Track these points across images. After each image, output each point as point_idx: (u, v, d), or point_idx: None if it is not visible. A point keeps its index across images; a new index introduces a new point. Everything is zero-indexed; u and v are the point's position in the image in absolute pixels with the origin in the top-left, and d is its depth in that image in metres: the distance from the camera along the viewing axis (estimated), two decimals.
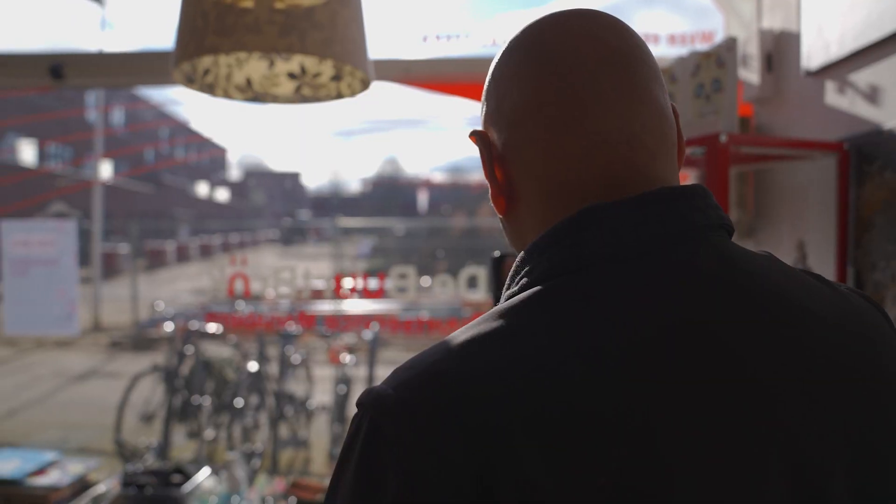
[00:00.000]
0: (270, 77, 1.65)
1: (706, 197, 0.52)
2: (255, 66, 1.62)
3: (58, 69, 2.29)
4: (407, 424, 0.42)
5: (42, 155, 21.07)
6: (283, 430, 4.31)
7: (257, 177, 57.59)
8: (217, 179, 43.76)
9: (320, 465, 4.38)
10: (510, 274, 0.54)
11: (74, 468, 2.25)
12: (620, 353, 0.43)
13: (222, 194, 44.05)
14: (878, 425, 0.48)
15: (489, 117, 0.58)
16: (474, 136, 0.59)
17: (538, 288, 0.49)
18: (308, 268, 4.21)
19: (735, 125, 1.27)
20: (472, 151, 0.60)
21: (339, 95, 1.65)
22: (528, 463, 0.39)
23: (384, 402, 0.44)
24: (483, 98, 0.60)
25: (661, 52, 2.26)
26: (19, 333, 2.43)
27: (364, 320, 5.03)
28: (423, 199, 46.93)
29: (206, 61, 1.51)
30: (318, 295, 5.39)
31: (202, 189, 39.34)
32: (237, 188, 49.38)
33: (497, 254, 1.41)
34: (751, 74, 1.71)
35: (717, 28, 2.44)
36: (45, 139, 19.71)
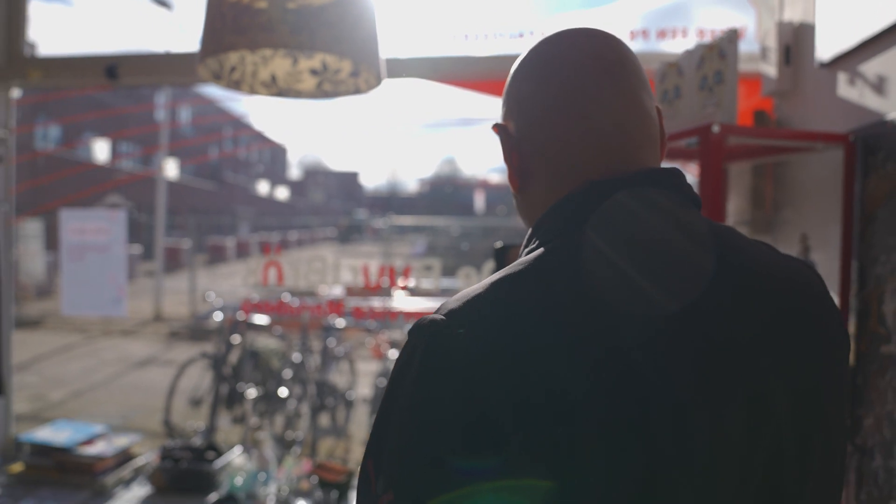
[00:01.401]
0: (294, 73, 1.74)
1: (681, 177, 0.65)
2: (279, 64, 1.71)
3: (112, 69, 2.46)
4: (459, 342, 0.51)
5: (112, 150, 22.15)
6: (324, 420, 4.44)
7: (316, 176, 58.81)
8: (277, 178, 44.96)
9: (358, 454, 4.49)
10: (526, 238, 0.67)
11: (119, 441, 2.41)
12: (609, 287, 0.54)
13: (282, 193, 45.22)
14: (813, 360, 0.60)
15: (509, 111, 0.71)
16: (496, 127, 0.73)
17: (551, 245, 0.59)
18: (354, 264, 4.30)
19: (734, 117, 1.27)
20: None
21: (357, 90, 1.72)
22: (559, 376, 0.49)
23: (439, 326, 0.53)
24: (504, 95, 0.73)
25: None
26: (74, 314, 2.61)
27: (413, 316, 5.11)
28: (479, 199, 46.93)
29: (232, 59, 1.61)
30: (368, 290, 5.50)
31: (263, 187, 40.50)
32: (297, 187, 50.61)
33: (499, 244, 1.45)
34: (770, 67, 1.69)
35: (750, 23, 2.39)
36: (114, 135, 20.69)
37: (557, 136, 0.65)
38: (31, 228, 12.21)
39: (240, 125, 30.63)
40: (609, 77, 0.65)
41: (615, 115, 0.64)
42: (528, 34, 2.32)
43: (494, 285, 0.56)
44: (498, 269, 1.47)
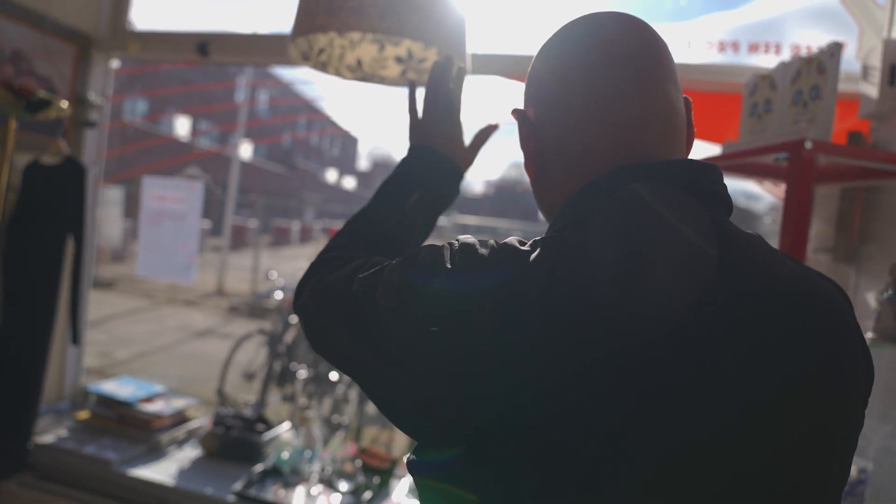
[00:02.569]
0: (379, 59, 1.76)
1: (706, 173, 0.60)
2: (366, 49, 1.74)
3: (204, 46, 2.56)
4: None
5: (192, 126, 23.09)
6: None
7: (385, 168, 59.58)
8: (346, 167, 45.82)
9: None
10: (553, 220, 0.65)
11: (177, 402, 2.51)
12: (597, 290, 0.51)
13: (349, 182, 46.04)
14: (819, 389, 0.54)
15: (530, 98, 0.70)
16: (516, 112, 0.70)
17: (554, 238, 0.57)
18: None
19: (828, 135, 1.21)
20: None
21: None
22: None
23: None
24: (526, 82, 0.71)
25: None
26: (148, 276, 2.73)
27: None
28: None
29: (321, 41, 1.64)
30: None
31: (331, 175, 41.34)
32: (364, 178, 51.41)
33: None
34: (871, 88, 1.61)
35: (850, 41, 2.27)
36: (195, 110, 21.55)
37: (577, 124, 0.63)
38: (113, 195, 12.85)
39: (314, 111, 31.37)
40: (633, 66, 0.62)
41: (637, 105, 0.61)
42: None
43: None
44: None
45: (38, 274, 2.29)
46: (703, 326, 0.50)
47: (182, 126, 22.15)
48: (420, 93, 1.12)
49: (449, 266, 0.54)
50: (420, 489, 0.56)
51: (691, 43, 2.21)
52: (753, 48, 2.17)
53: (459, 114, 1.05)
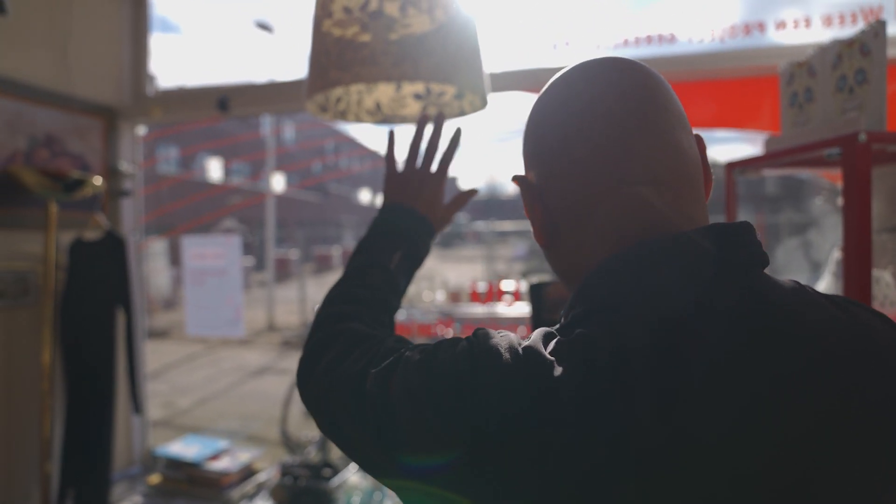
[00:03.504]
0: (398, 99, 1.74)
1: (749, 233, 0.55)
2: (383, 91, 1.72)
3: (224, 102, 2.59)
4: None
5: (226, 173, 23.65)
6: None
7: None
8: (378, 186, 46.22)
9: None
10: (567, 306, 0.58)
11: (243, 456, 2.52)
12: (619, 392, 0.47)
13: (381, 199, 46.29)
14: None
15: (530, 161, 0.65)
16: (516, 179, 0.65)
17: (585, 329, 0.51)
18: (457, 270, 4.32)
19: (882, 121, 1.13)
20: None
21: (462, 112, 1.70)
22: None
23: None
24: (523, 142, 0.66)
25: (814, 37, 2.05)
26: (198, 335, 2.77)
27: (518, 323, 5.04)
28: None
29: (338, 91, 1.63)
30: (472, 298, 5.50)
31: (364, 196, 41.75)
32: None
33: (535, 280, 1.35)
34: None
35: (885, 2, 2.15)
36: (226, 158, 22.08)
37: (585, 190, 0.57)
38: (157, 247, 13.23)
39: (340, 136, 31.76)
40: (635, 116, 0.56)
41: (645, 158, 0.56)
42: (630, 42, 2.21)
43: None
44: (533, 307, 1.32)
45: (93, 348, 2.34)
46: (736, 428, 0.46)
47: (214, 168, 22.70)
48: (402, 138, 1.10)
49: (469, 376, 0.50)
50: (403, 493, 0.54)
51: (713, 30, 2.13)
52: (780, 26, 2.08)
53: (446, 178, 1.04)
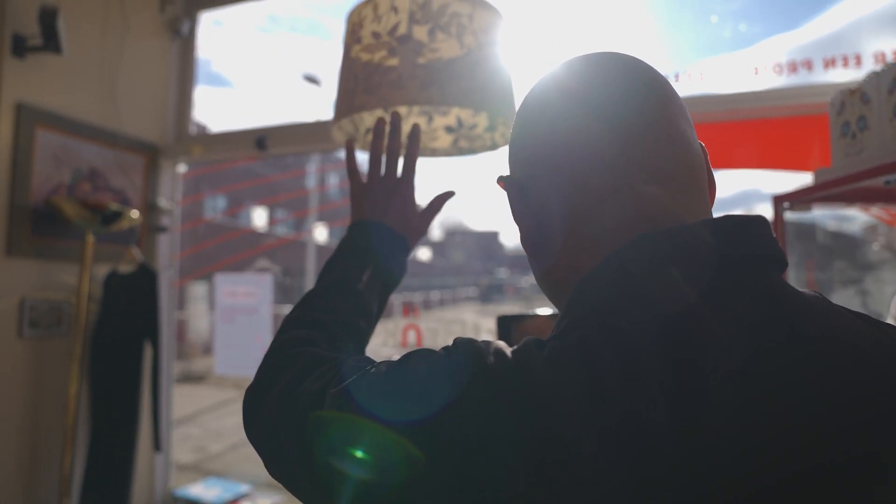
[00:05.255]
0: (429, 132, 1.72)
1: (761, 226, 0.48)
2: (414, 123, 1.69)
3: (262, 141, 2.63)
4: None
5: (268, 216, 24.22)
6: None
7: (457, 236, 60.31)
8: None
9: None
10: (558, 319, 0.50)
11: (263, 501, 2.44)
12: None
13: (424, 253, 46.76)
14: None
15: (518, 161, 0.58)
16: (502, 181, 0.59)
17: (583, 332, 0.44)
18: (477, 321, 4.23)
19: None
20: None
21: (494, 145, 1.66)
22: None
23: None
24: (510, 141, 0.60)
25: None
26: (226, 374, 2.74)
27: None
28: None
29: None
30: None
31: None
32: (438, 247, 52.08)
33: (502, 315, 1.23)
34: None
35: None
36: (268, 201, 22.65)
37: (576, 183, 0.51)
38: (198, 291, 13.47)
39: None
40: (637, 106, 0.51)
41: (648, 152, 0.50)
42: (671, 77, 2.16)
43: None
44: (501, 339, 1.19)
45: (120, 381, 2.32)
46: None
47: (259, 217, 23.29)
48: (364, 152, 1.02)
49: (448, 385, 0.42)
50: (331, 423, 0.46)
51: (758, 69, 2.06)
52: (829, 63, 2.00)
53: (414, 183, 0.95)
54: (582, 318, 0.46)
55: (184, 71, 2.88)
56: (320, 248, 21.26)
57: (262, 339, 2.72)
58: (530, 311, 1.22)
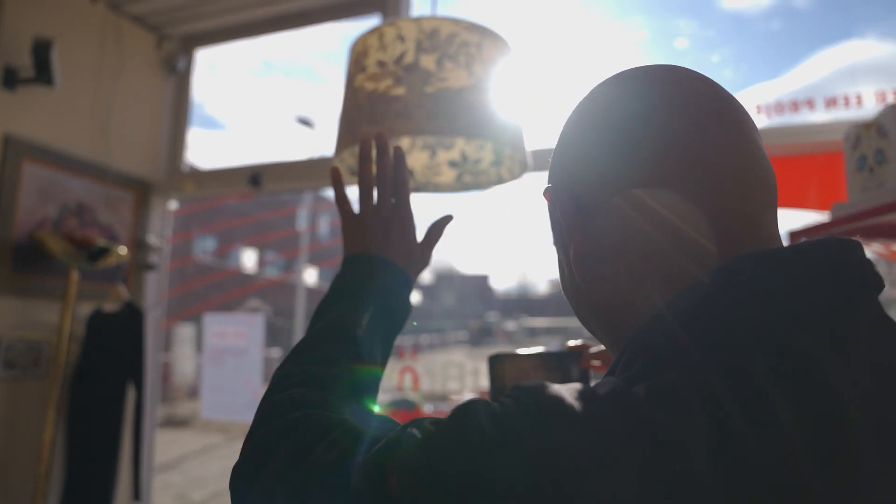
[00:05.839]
0: (432, 167, 1.67)
1: (859, 250, 0.43)
2: (417, 157, 1.65)
3: (256, 177, 2.58)
4: None
5: (258, 257, 24.05)
6: None
7: (447, 280, 60.15)
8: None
9: None
10: (624, 356, 0.44)
11: None
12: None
13: (415, 297, 46.47)
14: None
15: (571, 173, 0.52)
16: (547, 193, 0.53)
17: (670, 377, 0.36)
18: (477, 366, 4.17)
19: None
20: None
21: (500, 180, 1.62)
22: None
23: None
24: (561, 152, 0.54)
25: (867, 115, 1.96)
26: (212, 418, 2.61)
27: None
28: None
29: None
30: None
31: None
32: (429, 291, 51.86)
33: (493, 354, 1.14)
34: None
35: None
36: (258, 241, 22.55)
37: (646, 202, 0.46)
38: (185, 333, 13.23)
39: None
40: (717, 117, 0.46)
41: (732, 168, 0.45)
42: None
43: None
44: (491, 380, 1.05)
45: (100, 424, 2.20)
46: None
47: (248, 258, 23.13)
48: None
49: (527, 438, 0.34)
50: None
51: (760, 107, 2.06)
52: (831, 103, 2.00)
53: (410, 207, 0.84)
54: (673, 353, 0.39)
55: (178, 107, 2.85)
56: (310, 291, 21.10)
57: (251, 383, 2.61)
58: (521, 350, 1.14)
